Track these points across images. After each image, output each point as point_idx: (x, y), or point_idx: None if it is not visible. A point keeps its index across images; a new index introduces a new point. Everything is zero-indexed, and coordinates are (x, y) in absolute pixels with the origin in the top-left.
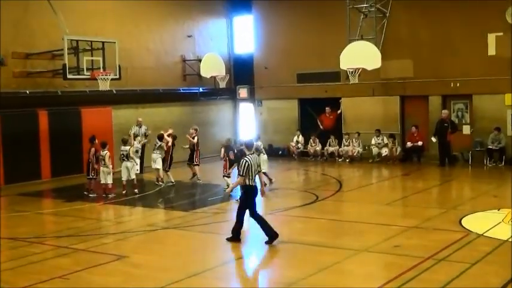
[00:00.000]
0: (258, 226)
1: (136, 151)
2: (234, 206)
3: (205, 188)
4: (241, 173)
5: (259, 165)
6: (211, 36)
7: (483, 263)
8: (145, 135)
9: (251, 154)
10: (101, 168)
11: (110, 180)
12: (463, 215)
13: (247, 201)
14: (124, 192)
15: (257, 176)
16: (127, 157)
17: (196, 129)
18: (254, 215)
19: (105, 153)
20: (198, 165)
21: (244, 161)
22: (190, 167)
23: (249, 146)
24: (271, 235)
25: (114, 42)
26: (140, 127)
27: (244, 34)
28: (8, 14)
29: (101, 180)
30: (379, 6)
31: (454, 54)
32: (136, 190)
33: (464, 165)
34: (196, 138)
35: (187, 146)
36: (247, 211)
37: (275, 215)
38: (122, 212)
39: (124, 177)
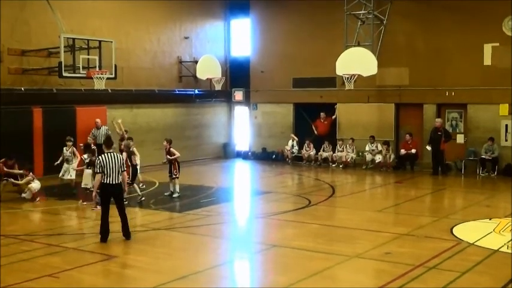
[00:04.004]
0: (246, 229)
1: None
2: (226, 208)
3: (196, 190)
4: (96, 171)
5: (122, 165)
6: (208, 39)
7: (473, 272)
8: None
9: (109, 152)
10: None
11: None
12: (454, 224)
13: (103, 199)
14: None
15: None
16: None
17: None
18: (119, 212)
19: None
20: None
21: (98, 159)
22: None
23: (107, 144)
24: (125, 235)
25: (111, 42)
26: (99, 129)
27: (241, 37)
28: (5, 10)
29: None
30: (376, 13)
31: (450, 63)
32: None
33: (457, 174)
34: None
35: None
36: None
37: (267, 218)
38: (113, 212)
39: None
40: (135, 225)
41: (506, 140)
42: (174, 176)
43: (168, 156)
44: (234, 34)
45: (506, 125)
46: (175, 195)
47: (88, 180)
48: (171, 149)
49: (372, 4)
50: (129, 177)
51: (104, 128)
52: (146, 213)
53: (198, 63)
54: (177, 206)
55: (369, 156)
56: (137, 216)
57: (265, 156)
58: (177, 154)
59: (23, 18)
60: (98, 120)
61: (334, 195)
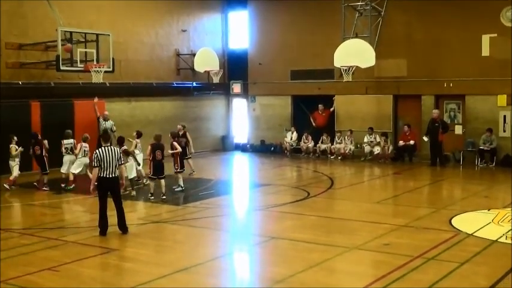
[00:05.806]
0: (245, 222)
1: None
2: (225, 201)
3: (195, 183)
4: (94, 164)
5: (119, 159)
6: (206, 31)
7: (472, 263)
8: (112, 131)
9: (107, 146)
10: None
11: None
12: (453, 215)
13: (101, 192)
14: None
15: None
16: (71, 150)
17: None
18: (115, 205)
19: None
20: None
21: (95, 153)
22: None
23: (104, 138)
24: (121, 229)
25: (109, 35)
26: (106, 121)
27: (239, 30)
28: (3, 4)
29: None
30: (374, 4)
31: (448, 54)
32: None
33: (455, 166)
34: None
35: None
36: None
37: (266, 211)
38: (112, 206)
39: (64, 170)
40: (134, 218)
41: (504, 131)
42: (175, 171)
43: (169, 151)
44: (231, 26)
45: (505, 116)
46: (178, 189)
47: (130, 172)
48: (174, 142)
49: None
50: (150, 172)
51: (110, 122)
52: (146, 206)
53: (195, 56)
54: (176, 199)
55: (367, 148)
56: (137, 209)
57: (264, 149)
58: (179, 149)
59: (20, 12)
60: (107, 112)
61: (332, 187)
